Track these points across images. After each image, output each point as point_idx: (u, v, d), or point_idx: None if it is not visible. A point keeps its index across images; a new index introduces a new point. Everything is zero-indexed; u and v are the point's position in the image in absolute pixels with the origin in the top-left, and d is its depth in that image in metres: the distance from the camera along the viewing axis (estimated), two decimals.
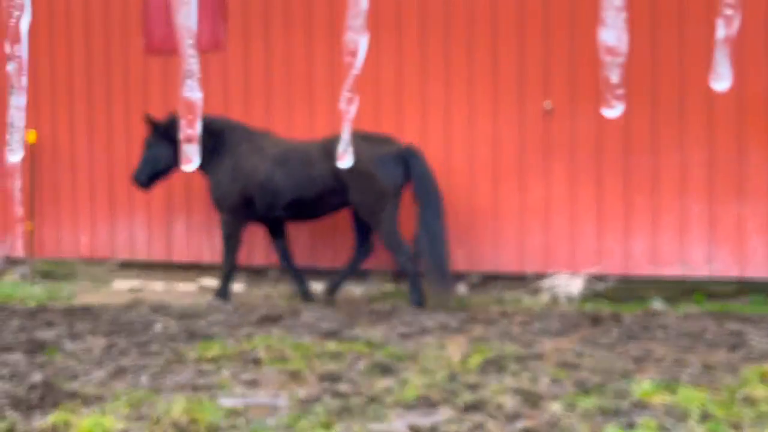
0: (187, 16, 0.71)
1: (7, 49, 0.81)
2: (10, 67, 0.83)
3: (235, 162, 6.73)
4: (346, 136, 0.72)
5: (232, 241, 6.80)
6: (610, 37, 0.89)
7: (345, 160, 0.72)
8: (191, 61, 0.73)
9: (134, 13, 8.05)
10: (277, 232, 6.96)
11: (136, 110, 7.81)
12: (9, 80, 0.82)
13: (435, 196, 6.47)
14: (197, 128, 0.74)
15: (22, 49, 0.84)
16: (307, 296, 6.82)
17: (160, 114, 7.50)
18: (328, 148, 6.41)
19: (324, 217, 6.91)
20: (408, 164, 6.47)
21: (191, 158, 0.76)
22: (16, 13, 0.80)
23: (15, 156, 0.79)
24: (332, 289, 6.73)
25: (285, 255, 6.95)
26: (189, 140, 0.75)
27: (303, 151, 6.69)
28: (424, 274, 6.43)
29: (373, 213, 6.45)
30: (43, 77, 8.27)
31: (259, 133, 6.93)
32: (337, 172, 6.39)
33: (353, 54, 0.77)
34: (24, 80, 0.83)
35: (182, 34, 0.74)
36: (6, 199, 8.33)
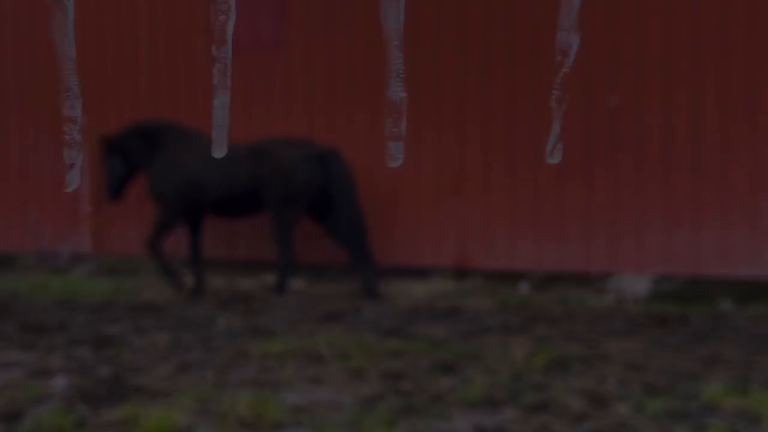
0: (396, 20, 0.71)
1: (213, 51, 0.82)
2: (216, 69, 0.83)
3: (170, 161, 6.98)
4: (556, 132, 0.70)
5: (190, 237, 7.07)
6: None
7: (554, 157, 0.70)
8: (397, 62, 0.74)
9: (199, 11, 8.13)
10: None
11: (199, 109, 7.89)
12: (213, 81, 0.83)
13: (351, 194, 6.77)
14: (402, 128, 0.74)
15: (227, 51, 0.85)
16: (181, 289, 6.98)
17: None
18: (254, 150, 6.83)
19: (249, 216, 7.15)
20: (325, 165, 6.70)
21: (398, 156, 0.76)
22: (222, 16, 0.80)
23: (220, 152, 0.81)
24: (372, 292, 6.69)
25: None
26: (396, 140, 0.75)
27: (230, 151, 6.85)
28: (352, 268, 6.89)
29: (279, 209, 6.76)
30: (109, 76, 8.41)
31: (191, 134, 7.14)
32: (259, 174, 6.79)
33: (565, 53, 0.75)
34: (228, 81, 0.84)
35: (390, 36, 0.74)
36: (73, 195, 8.49)
